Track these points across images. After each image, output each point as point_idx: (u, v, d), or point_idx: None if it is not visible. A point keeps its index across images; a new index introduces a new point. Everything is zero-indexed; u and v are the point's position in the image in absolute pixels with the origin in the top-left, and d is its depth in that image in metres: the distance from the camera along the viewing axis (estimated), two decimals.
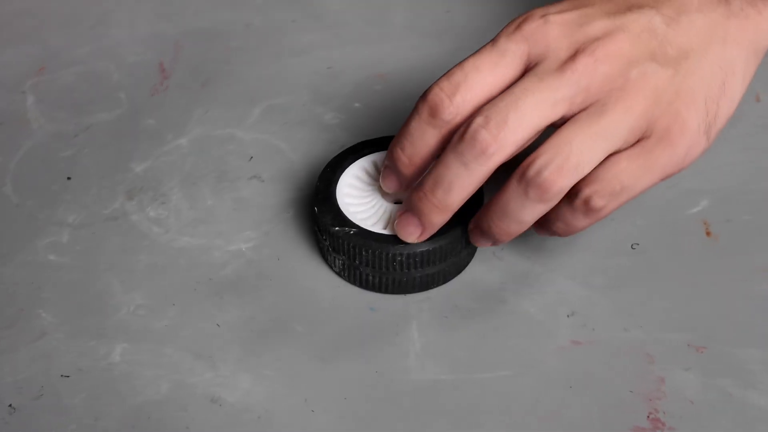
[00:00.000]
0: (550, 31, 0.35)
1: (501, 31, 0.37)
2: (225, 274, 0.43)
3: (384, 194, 0.42)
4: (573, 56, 0.34)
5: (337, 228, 0.40)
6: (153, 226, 0.45)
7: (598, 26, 0.35)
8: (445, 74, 0.36)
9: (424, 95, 0.36)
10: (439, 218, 0.37)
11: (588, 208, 0.35)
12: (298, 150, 0.49)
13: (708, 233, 0.43)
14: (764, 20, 0.37)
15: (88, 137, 0.50)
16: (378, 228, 0.40)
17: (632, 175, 0.35)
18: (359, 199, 0.42)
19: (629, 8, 0.36)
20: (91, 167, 0.49)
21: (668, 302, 0.41)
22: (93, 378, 0.39)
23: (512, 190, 0.35)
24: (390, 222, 0.40)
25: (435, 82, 0.36)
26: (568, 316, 0.40)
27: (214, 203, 0.46)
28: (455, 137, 0.35)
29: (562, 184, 0.34)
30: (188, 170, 0.48)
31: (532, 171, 0.34)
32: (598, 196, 0.35)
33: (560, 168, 0.34)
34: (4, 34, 0.57)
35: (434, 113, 0.35)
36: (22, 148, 0.50)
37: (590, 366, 0.39)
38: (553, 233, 0.38)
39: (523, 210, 0.36)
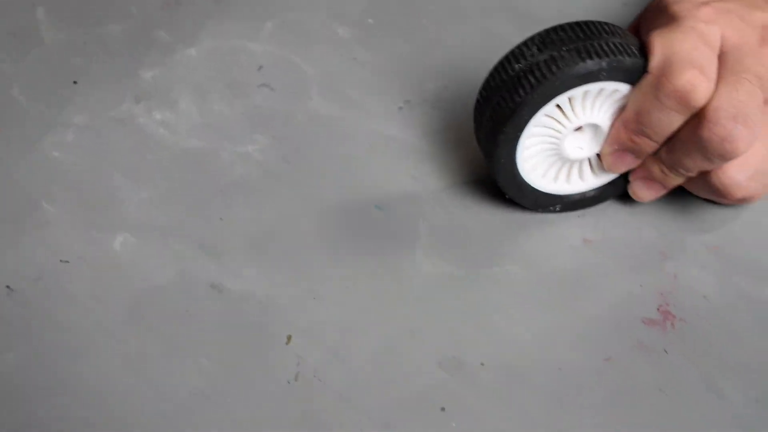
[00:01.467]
0: (729, 17, 0.34)
1: (674, 11, 0.35)
2: (232, 174, 0.42)
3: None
4: (763, 41, 0.33)
5: None
6: (160, 128, 0.45)
7: (760, 16, 0.34)
8: (680, 61, 0.33)
9: (668, 82, 0.33)
10: (676, 183, 0.37)
11: (742, 200, 0.36)
12: (311, 62, 0.48)
13: None
14: None
15: (98, 46, 0.50)
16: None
17: None
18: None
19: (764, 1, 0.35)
20: (100, 73, 0.48)
21: (686, 205, 0.39)
22: (93, 265, 0.38)
23: (695, 187, 0.36)
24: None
25: (675, 69, 0.32)
26: (578, 216, 0.39)
27: (221, 109, 0.46)
28: (704, 133, 0.32)
29: (752, 192, 0.35)
30: (197, 78, 0.48)
31: (727, 180, 0.34)
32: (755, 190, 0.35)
33: (754, 177, 0.34)
34: None
35: (685, 102, 0.33)
36: (32, 55, 0.49)
37: (601, 263, 0.38)
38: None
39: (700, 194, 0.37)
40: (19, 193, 0.41)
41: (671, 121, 0.33)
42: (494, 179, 0.37)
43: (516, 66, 0.34)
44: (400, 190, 0.41)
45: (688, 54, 0.32)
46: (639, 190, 0.37)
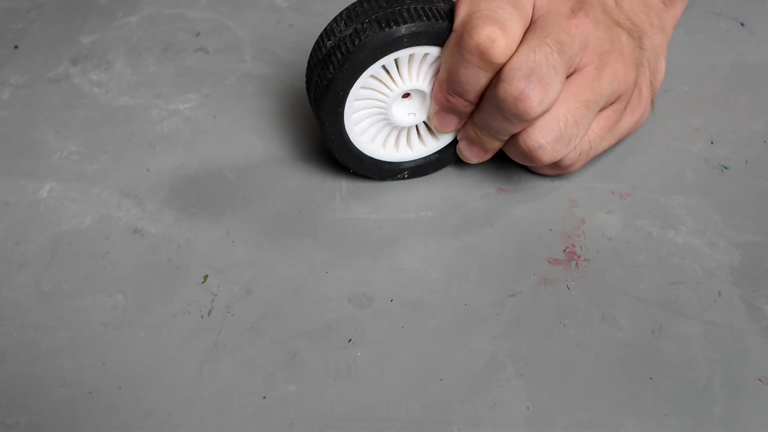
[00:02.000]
0: None
1: None
2: (161, 128, 0.43)
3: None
4: (573, 13, 0.34)
5: None
6: (94, 87, 0.46)
7: None
8: (478, 18, 0.33)
9: (469, 38, 0.33)
10: (495, 146, 0.37)
11: (559, 165, 0.37)
12: (246, 27, 0.49)
13: None
14: (671, 16, 0.40)
15: (40, 13, 0.51)
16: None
17: (600, 136, 0.37)
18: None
19: None
20: (40, 38, 0.49)
21: (598, 158, 0.41)
22: (18, 210, 0.39)
23: (509, 151, 0.37)
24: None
25: (475, 25, 0.33)
26: (496, 168, 0.40)
27: (156, 70, 0.47)
28: (500, 93, 0.33)
29: (558, 156, 0.35)
30: (135, 42, 0.49)
31: (532, 143, 0.34)
32: (568, 156, 0.36)
33: (557, 142, 0.34)
34: None
35: (485, 57, 0.33)
36: None
37: (512, 209, 0.39)
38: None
39: (519, 160, 0.37)
40: None
41: (478, 77, 0.33)
42: (334, 156, 0.38)
43: (327, 43, 0.34)
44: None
45: (490, 11, 0.32)
46: (464, 150, 0.38)
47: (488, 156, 0.38)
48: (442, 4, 0.35)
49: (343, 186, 0.40)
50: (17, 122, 0.44)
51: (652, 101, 0.39)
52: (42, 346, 0.34)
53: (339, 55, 0.34)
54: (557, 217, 0.38)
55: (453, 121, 0.37)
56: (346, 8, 0.35)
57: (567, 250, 0.37)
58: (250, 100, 0.45)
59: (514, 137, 0.35)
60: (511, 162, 0.40)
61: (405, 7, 0.34)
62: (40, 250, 0.37)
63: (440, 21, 0.34)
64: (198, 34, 0.49)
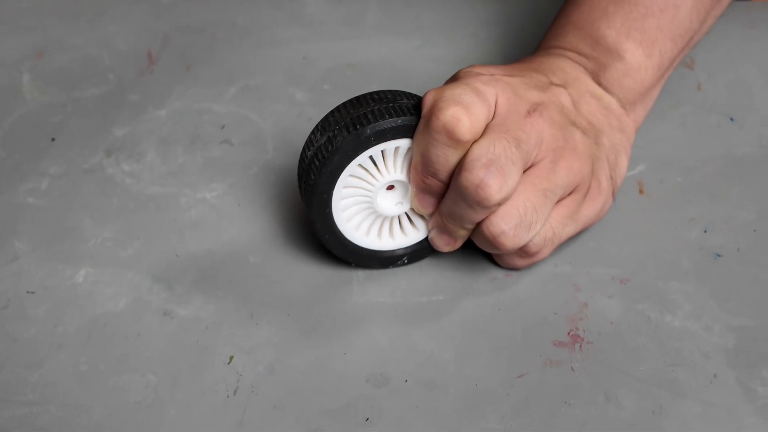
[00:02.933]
0: (506, 87, 0.38)
1: (459, 76, 0.39)
2: (189, 216, 0.46)
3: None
4: (529, 113, 0.38)
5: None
6: (127, 177, 0.49)
7: (535, 95, 0.39)
8: (443, 101, 0.36)
9: (436, 119, 0.36)
10: (461, 234, 0.40)
11: (525, 252, 0.39)
12: (268, 120, 0.53)
13: (641, 191, 0.46)
14: (632, 120, 0.44)
15: (76, 107, 0.55)
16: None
17: (562, 223, 0.39)
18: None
19: (549, 84, 0.40)
20: (76, 131, 0.53)
21: (599, 244, 0.43)
22: (57, 294, 0.42)
23: (477, 241, 0.39)
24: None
25: (441, 107, 0.36)
26: None
27: (185, 161, 0.50)
28: (462, 181, 0.36)
29: (520, 242, 0.38)
30: (164, 135, 0.52)
31: (495, 230, 0.37)
32: (534, 243, 0.39)
33: (518, 228, 0.37)
34: (8, 24, 0.62)
35: (452, 134, 0.36)
36: (14, 114, 0.54)
37: (519, 293, 0.41)
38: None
39: (488, 250, 0.40)
40: None
41: (447, 156, 0.36)
42: (333, 254, 0.41)
43: (308, 153, 0.39)
44: None
45: (454, 95, 0.36)
46: (435, 238, 0.41)
47: (458, 244, 0.41)
48: (405, 101, 0.38)
49: (360, 272, 0.43)
50: (55, 210, 0.47)
51: (614, 192, 0.42)
52: (80, 423, 0.36)
53: (317, 162, 0.38)
54: (561, 301, 0.41)
55: (432, 202, 0.39)
56: (321, 119, 0.39)
57: (571, 333, 0.39)
58: (272, 188, 0.48)
59: (478, 226, 0.38)
60: None
61: (369, 109, 0.38)
62: (78, 331, 0.40)
63: (402, 116, 0.37)
64: (223, 127, 0.53)
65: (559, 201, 0.39)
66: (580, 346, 0.39)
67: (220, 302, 0.41)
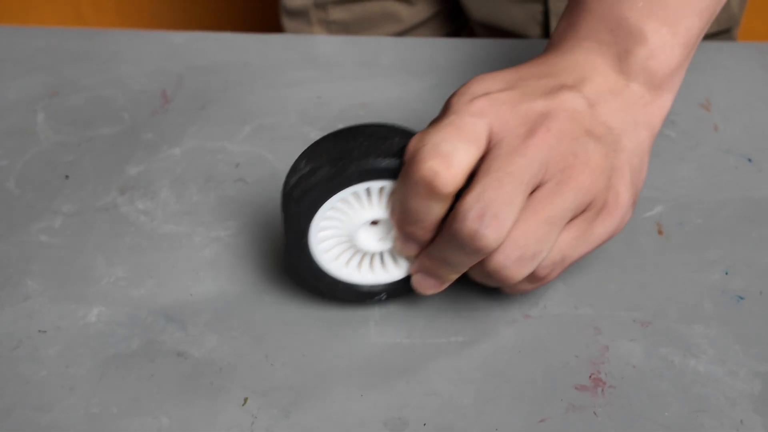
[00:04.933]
0: (501, 108, 0.36)
1: (451, 105, 0.37)
2: (203, 255, 0.46)
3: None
4: (530, 133, 0.35)
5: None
6: (141, 216, 0.49)
7: (540, 105, 0.36)
8: (422, 152, 0.34)
9: (413, 171, 0.34)
10: (452, 278, 0.38)
11: (533, 277, 0.37)
12: (282, 159, 0.53)
13: (660, 232, 0.46)
14: (659, 107, 0.40)
15: (90, 147, 0.55)
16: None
17: (572, 245, 0.37)
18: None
19: (559, 88, 0.37)
20: (90, 169, 0.52)
21: (619, 286, 0.43)
22: (69, 334, 0.41)
23: (475, 275, 0.38)
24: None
25: (419, 159, 0.34)
26: (522, 295, 0.43)
27: (199, 200, 0.50)
28: (455, 231, 0.34)
29: (524, 274, 0.36)
30: (179, 173, 0.52)
31: (495, 265, 0.35)
32: (541, 267, 0.37)
33: (521, 261, 0.35)
34: (24, 65, 0.63)
35: (431, 189, 0.34)
36: (28, 154, 0.54)
37: (539, 336, 0.40)
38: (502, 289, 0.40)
39: (490, 284, 0.38)
40: (5, 271, 0.45)
41: (429, 208, 0.35)
42: (318, 293, 0.40)
43: (291, 179, 0.37)
44: None
45: (434, 145, 0.34)
46: (420, 282, 0.39)
47: (444, 287, 0.39)
48: (397, 139, 0.36)
49: (376, 312, 0.42)
50: (68, 249, 0.46)
51: (634, 203, 0.39)
52: None
53: (299, 191, 0.36)
54: (582, 344, 0.40)
55: (415, 247, 0.38)
56: (309, 146, 0.37)
57: (593, 377, 0.38)
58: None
59: (479, 263, 0.36)
60: (537, 290, 0.43)
61: (357, 144, 0.36)
62: (90, 373, 0.39)
63: (389, 159, 0.35)
64: (237, 165, 0.52)
65: (569, 221, 0.37)
66: (603, 391, 0.38)
67: (235, 343, 0.41)
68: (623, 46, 0.39)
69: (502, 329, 0.41)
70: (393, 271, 0.40)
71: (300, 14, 0.79)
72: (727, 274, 0.43)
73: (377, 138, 0.36)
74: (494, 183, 0.34)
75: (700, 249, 0.44)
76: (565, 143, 0.35)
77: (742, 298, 0.42)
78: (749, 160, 0.50)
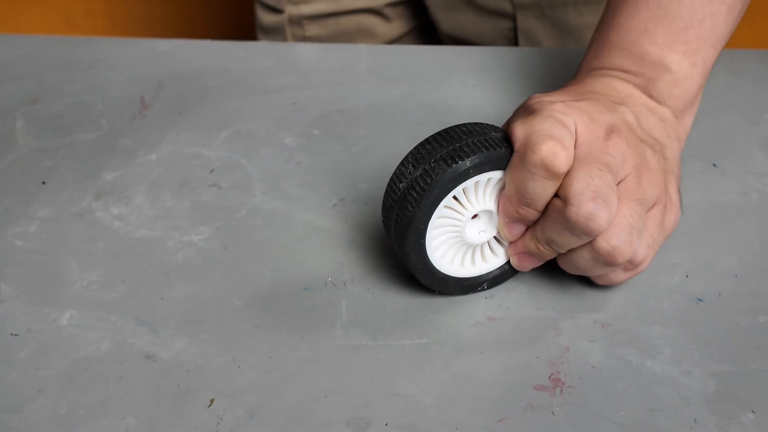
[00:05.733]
0: (580, 113, 0.39)
1: (532, 106, 0.40)
2: (175, 259, 0.46)
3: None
4: (608, 135, 0.39)
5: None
6: (115, 221, 0.49)
7: (608, 117, 0.40)
8: (537, 136, 0.38)
9: (533, 154, 0.37)
10: (551, 257, 0.41)
11: (632, 263, 0.40)
12: (257, 165, 0.54)
13: None
14: (683, 126, 0.45)
15: (68, 152, 0.55)
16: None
17: (657, 230, 0.41)
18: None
19: (616, 104, 0.42)
20: (67, 175, 0.53)
21: (581, 289, 0.44)
22: (40, 337, 0.42)
23: (584, 259, 0.40)
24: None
25: (537, 143, 0.37)
26: (486, 297, 0.43)
27: (173, 205, 0.51)
28: (571, 215, 0.37)
29: (633, 251, 0.39)
30: (154, 179, 0.53)
31: (608, 245, 0.38)
32: (640, 251, 0.40)
33: (630, 236, 0.38)
34: (6, 71, 0.64)
35: (550, 169, 0.37)
36: (6, 159, 0.55)
37: (501, 337, 0.41)
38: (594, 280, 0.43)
39: (591, 270, 0.41)
40: None
41: (545, 188, 0.38)
42: (421, 283, 0.42)
43: (400, 185, 0.39)
44: (328, 274, 0.45)
45: (546, 130, 0.38)
46: (522, 261, 0.42)
47: (540, 263, 0.42)
48: (493, 133, 0.40)
49: (344, 314, 0.43)
50: (42, 253, 0.47)
51: (681, 204, 0.43)
52: None
53: (414, 194, 0.39)
54: (543, 345, 0.41)
55: (522, 230, 0.41)
56: (411, 152, 0.40)
57: (552, 377, 0.39)
58: (259, 232, 0.48)
59: (587, 247, 0.39)
60: (500, 292, 0.43)
61: (464, 142, 0.39)
62: (59, 375, 0.40)
63: (497, 149, 0.39)
64: (212, 171, 0.53)
65: (647, 213, 0.40)
66: (561, 391, 0.39)
67: (204, 345, 0.41)
68: (649, 75, 0.44)
69: (465, 331, 0.42)
70: (491, 261, 0.43)
71: (275, 31, 0.80)
72: (687, 277, 0.44)
73: (476, 134, 0.39)
74: (597, 171, 0.37)
75: (662, 252, 0.45)
76: (632, 147, 0.40)
77: (701, 300, 0.43)
78: (714, 165, 0.51)
